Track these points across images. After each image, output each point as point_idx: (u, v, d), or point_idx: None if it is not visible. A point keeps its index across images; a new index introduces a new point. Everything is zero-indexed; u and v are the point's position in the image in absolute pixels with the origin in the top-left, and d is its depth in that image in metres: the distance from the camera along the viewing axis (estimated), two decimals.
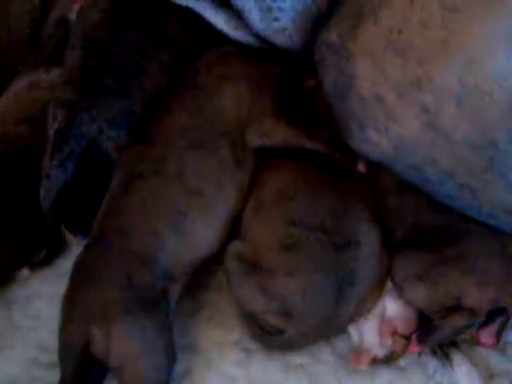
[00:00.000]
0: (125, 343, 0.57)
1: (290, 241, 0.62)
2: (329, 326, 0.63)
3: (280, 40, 0.66)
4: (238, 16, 0.66)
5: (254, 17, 0.64)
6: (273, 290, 0.61)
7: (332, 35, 0.61)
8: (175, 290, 0.63)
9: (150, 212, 0.62)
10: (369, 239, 0.65)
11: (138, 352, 0.57)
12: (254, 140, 0.67)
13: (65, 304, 0.60)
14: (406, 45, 0.59)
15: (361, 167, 0.67)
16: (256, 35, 0.66)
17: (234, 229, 0.67)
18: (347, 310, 0.63)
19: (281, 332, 0.63)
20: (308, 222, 0.63)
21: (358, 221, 0.65)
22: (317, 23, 0.65)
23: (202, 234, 0.64)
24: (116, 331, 0.57)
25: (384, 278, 0.64)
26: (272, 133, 0.67)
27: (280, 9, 0.63)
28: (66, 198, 0.69)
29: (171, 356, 0.60)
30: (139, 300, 0.59)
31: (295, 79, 0.72)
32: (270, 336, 0.64)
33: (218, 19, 0.67)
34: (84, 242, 0.70)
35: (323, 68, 0.62)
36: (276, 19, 0.64)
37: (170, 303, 0.62)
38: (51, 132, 0.67)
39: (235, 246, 0.65)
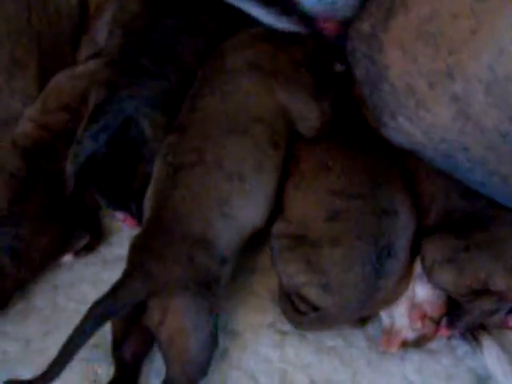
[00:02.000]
0: (179, 318, 0.60)
1: (332, 211, 0.65)
2: (366, 301, 0.64)
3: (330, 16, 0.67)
4: (280, 10, 0.68)
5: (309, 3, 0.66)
6: (316, 262, 0.64)
7: (364, 26, 0.63)
8: (226, 272, 0.65)
9: (198, 200, 0.65)
10: (404, 208, 0.67)
11: (190, 329, 0.60)
12: (310, 133, 0.71)
13: (129, 270, 0.63)
14: (437, 34, 0.60)
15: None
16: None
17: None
18: (385, 284, 0.64)
19: (317, 309, 0.65)
20: (347, 192, 0.66)
21: (393, 190, 0.67)
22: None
23: (248, 215, 0.66)
24: (173, 305, 0.60)
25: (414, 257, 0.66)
26: (323, 125, 0.71)
27: None
28: (102, 173, 0.72)
29: (216, 338, 0.63)
30: (197, 280, 0.62)
31: (324, 62, 0.73)
32: (306, 316, 0.66)
33: (259, 12, 0.69)
34: (121, 224, 0.74)
35: (355, 58, 0.64)
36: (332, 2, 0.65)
37: (220, 285, 0.65)
38: (91, 107, 0.70)
39: (279, 226, 0.67)
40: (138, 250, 0.65)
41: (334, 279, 0.63)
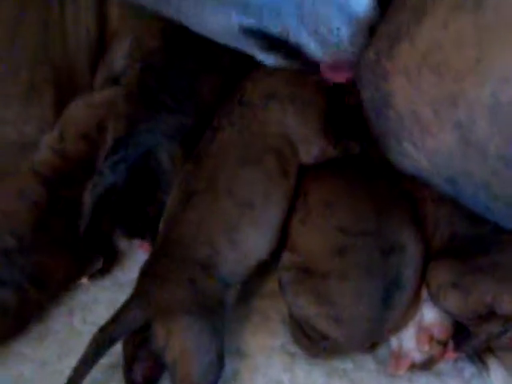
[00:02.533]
0: (183, 340, 0.62)
1: (339, 246, 0.66)
2: (375, 331, 0.66)
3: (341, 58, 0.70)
4: (284, 55, 0.70)
5: (313, 48, 0.68)
6: (325, 294, 0.65)
7: (370, 54, 0.65)
8: (231, 296, 0.67)
9: (207, 225, 0.67)
10: (412, 242, 0.68)
11: (193, 350, 0.62)
12: (308, 159, 0.72)
13: (131, 297, 0.65)
14: (441, 63, 0.62)
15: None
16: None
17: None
18: (394, 315, 0.66)
19: (326, 338, 0.66)
20: (354, 228, 0.67)
21: (400, 225, 0.69)
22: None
23: (255, 242, 0.68)
24: (176, 328, 0.62)
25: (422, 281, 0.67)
26: (323, 152, 0.72)
27: (339, 40, 0.67)
28: (120, 202, 0.75)
29: (221, 359, 0.64)
30: (199, 303, 0.64)
31: (338, 93, 0.75)
32: (320, 343, 0.67)
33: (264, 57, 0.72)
34: (137, 249, 0.76)
35: (361, 85, 0.66)
36: (337, 46, 0.68)
37: (225, 308, 0.66)
38: (110, 140, 0.73)
39: (287, 257, 0.69)
40: (143, 274, 0.68)
41: (344, 311, 0.65)
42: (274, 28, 0.68)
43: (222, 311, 0.66)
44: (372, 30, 0.68)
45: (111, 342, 0.63)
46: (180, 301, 0.64)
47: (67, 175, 0.76)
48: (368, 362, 0.69)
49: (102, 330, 0.64)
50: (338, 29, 0.67)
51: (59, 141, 0.77)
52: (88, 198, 0.72)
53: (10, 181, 0.76)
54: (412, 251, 0.67)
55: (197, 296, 0.64)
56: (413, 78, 0.62)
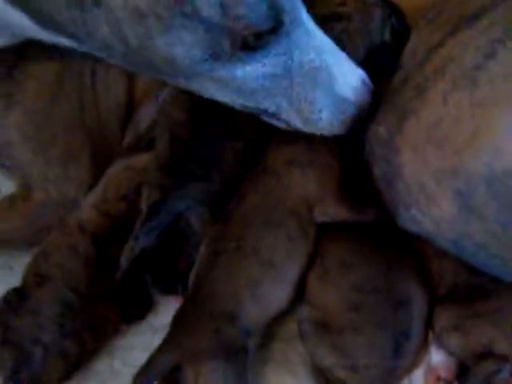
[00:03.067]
0: (210, 381, 0.70)
1: (353, 303, 0.75)
2: (388, 378, 0.74)
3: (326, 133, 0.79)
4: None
5: (299, 124, 0.77)
6: (342, 347, 0.73)
7: (381, 130, 0.74)
8: (253, 342, 0.75)
9: (233, 281, 0.75)
10: (418, 296, 0.77)
11: None
12: (323, 218, 0.80)
13: (163, 343, 0.74)
14: (443, 138, 0.71)
15: None
16: None
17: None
18: (404, 363, 0.74)
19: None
20: (367, 286, 0.75)
21: (407, 280, 0.77)
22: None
23: (275, 297, 0.76)
24: (204, 371, 0.71)
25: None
26: (337, 213, 0.80)
27: (319, 119, 0.76)
28: (152, 260, 0.83)
29: None
30: (224, 349, 0.72)
31: (352, 156, 0.84)
32: None
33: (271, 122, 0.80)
34: (168, 299, 0.84)
35: (373, 158, 0.75)
36: (317, 124, 0.76)
37: (248, 353, 0.74)
38: (145, 207, 0.81)
39: (306, 311, 0.77)
40: (175, 323, 0.76)
41: (359, 362, 0.73)
42: (270, 107, 0.75)
43: (244, 356, 0.74)
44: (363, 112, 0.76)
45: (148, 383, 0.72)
46: (207, 347, 0.72)
47: (111, 233, 0.84)
48: None
49: (140, 373, 0.72)
50: (319, 111, 0.75)
51: (102, 201, 0.85)
52: (124, 261, 0.80)
53: (59, 236, 0.85)
54: (418, 303, 0.76)
55: (222, 343, 0.72)
56: (419, 152, 0.71)
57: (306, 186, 0.80)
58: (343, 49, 0.77)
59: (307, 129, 0.77)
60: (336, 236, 0.80)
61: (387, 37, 0.86)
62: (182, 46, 0.66)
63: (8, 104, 0.88)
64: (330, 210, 0.79)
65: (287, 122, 0.77)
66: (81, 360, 0.80)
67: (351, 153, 0.82)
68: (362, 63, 0.80)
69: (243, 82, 0.71)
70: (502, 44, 0.74)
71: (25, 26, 0.72)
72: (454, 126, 0.71)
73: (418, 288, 0.77)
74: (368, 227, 0.80)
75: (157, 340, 0.79)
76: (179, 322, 0.75)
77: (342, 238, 0.80)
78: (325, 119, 0.75)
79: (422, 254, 0.79)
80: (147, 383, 0.72)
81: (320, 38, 0.73)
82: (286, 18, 0.68)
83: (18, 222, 0.90)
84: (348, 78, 0.75)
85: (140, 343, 0.83)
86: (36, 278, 0.82)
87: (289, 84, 0.73)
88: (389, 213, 0.74)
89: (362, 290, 0.75)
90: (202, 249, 0.79)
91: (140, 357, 0.80)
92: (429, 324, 0.76)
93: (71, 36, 0.70)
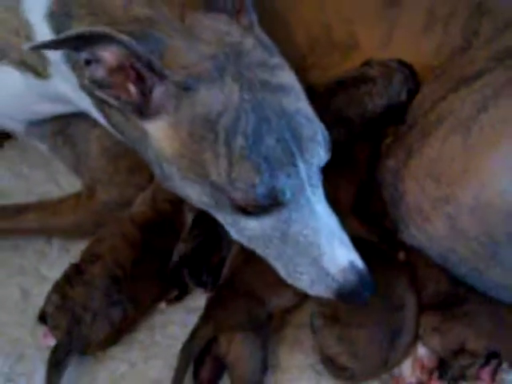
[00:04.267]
0: (239, 349, 0.88)
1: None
2: (382, 366, 0.92)
3: None
4: None
5: (282, 273, 0.84)
6: (347, 339, 0.90)
7: (391, 163, 0.92)
8: (275, 321, 0.94)
9: (262, 274, 0.90)
10: (410, 303, 0.94)
11: (247, 357, 0.88)
12: None
13: (202, 319, 0.92)
14: (439, 173, 0.90)
15: (401, 256, 0.96)
16: None
17: None
18: (396, 355, 0.91)
19: (346, 369, 0.91)
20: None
21: (402, 290, 0.94)
22: None
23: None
24: (236, 340, 0.88)
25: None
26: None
27: (300, 279, 0.83)
28: (191, 257, 1.00)
29: (266, 365, 0.90)
30: (253, 325, 0.90)
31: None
32: (340, 371, 0.92)
33: None
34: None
35: (383, 186, 0.94)
36: (297, 282, 0.83)
37: (269, 331, 0.93)
38: (190, 216, 1.00)
39: (317, 306, 0.93)
40: (211, 303, 0.94)
41: (360, 351, 0.90)
42: (260, 250, 0.82)
43: (267, 332, 0.92)
44: None
45: (192, 354, 0.89)
46: (239, 322, 0.90)
47: (156, 226, 1.02)
48: (375, 382, 0.94)
49: (185, 347, 0.89)
50: (301, 273, 0.81)
51: (152, 200, 1.03)
52: (175, 256, 0.99)
53: (113, 226, 1.03)
54: (410, 308, 0.93)
55: (251, 320, 0.90)
56: (420, 183, 0.90)
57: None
58: (364, 106, 0.96)
59: (289, 281, 0.83)
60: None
61: (404, 97, 1.02)
62: (193, 191, 0.78)
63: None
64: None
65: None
66: (123, 327, 0.96)
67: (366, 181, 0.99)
68: (378, 116, 0.98)
69: (243, 227, 0.80)
70: (493, 101, 0.93)
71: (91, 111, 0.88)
72: (449, 164, 0.91)
73: (411, 296, 0.94)
74: (373, 246, 0.96)
75: (190, 318, 0.97)
76: (215, 302, 0.93)
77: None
78: (305, 281, 0.82)
79: (416, 268, 0.97)
80: (191, 355, 0.89)
81: (322, 220, 0.79)
82: (287, 199, 0.76)
83: (82, 216, 1.07)
84: (338, 258, 0.80)
85: (176, 320, 0.99)
86: (91, 257, 0.99)
87: (281, 244, 0.80)
88: (392, 229, 0.93)
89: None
90: (234, 248, 0.96)
91: (176, 331, 0.98)
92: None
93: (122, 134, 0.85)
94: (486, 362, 0.90)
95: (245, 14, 0.80)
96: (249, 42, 0.78)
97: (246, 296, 0.93)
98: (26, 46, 0.75)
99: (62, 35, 0.72)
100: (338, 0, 1.08)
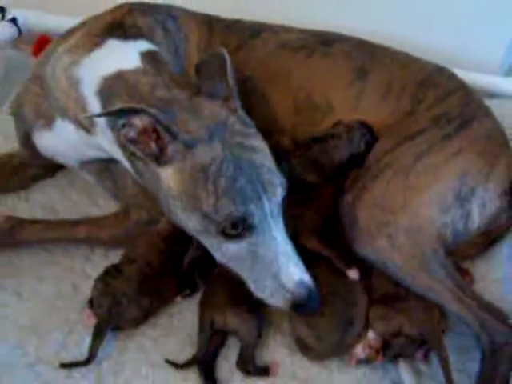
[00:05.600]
0: (233, 319, 1.21)
1: (323, 301, 1.17)
2: (339, 346, 1.23)
3: None
4: None
5: (251, 286, 1.13)
6: (313, 325, 1.21)
7: (348, 197, 1.27)
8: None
9: None
10: (362, 302, 1.26)
11: (240, 323, 1.21)
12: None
13: (200, 306, 1.24)
14: (384, 205, 1.23)
15: (351, 274, 1.26)
16: None
17: None
18: (349, 339, 1.23)
19: (312, 349, 1.23)
20: (332, 291, 1.23)
21: (355, 292, 1.26)
22: None
23: None
24: (227, 314, 1.21)
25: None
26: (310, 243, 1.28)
27: (263, 292, 1.12)
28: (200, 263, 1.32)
29: (260, 332, 1.23)
30: (235, 301, 1.22)
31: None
32: (307, 350, 1.24)
33: None
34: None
35: (341, 213, 1.27)
36: (261, 294, 1.13)
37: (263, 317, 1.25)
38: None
39: None
40: (203, 292, 1.28)
41: (322, 334, 1.21)
42: (237, 267, 1.12)
43: (255, 306, 1.21)
44: None
45: (206, 334, 1.22)
46: (222, 301, 1.23)
47: (176, 238, 1.34)
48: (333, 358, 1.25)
49: (200, 329, 1.23)
50: (264, 286, 1.10)
51: (170, 222, 1.34)
52: (186, 258, 1.32)
53: (144, 238, 1.35)
54: (361, 305, 1.25)
55: (231, 298, 1.22)
56: (369, 211, 1.23)
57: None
58: (332, 156, 1.32)
59: (255, 293, 1.12)
60: (318, 262, 1.26)
61: (362, 147, 1.36)
62: (190, 221, 1.09)
63: None
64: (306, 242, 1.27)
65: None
66: (149, 312, 1.27)
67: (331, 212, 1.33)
68: (345, 163, 1.33)
69: (225, 250, 1.10)
70: (427, 154, 1.27)
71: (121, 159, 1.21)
72: (391, 198, 1.24)
73: (363, 297, 1.26)
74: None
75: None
76: (205, 291, 1.28)
77: (325, 265, 1.27)
78: (266, 293, 1.10)
79: (368, 274, 1.29)
80: (209, 332, 1.22)
81: (280, 242, 1.08)
82: (255, 224, 1.06)
83: (118, 231, 1.39)
84: (292, 275, 1.08)
85: (189, 309, 1.31)
86: (127, 259, 1.31)
87: (251, 263, 1.09)
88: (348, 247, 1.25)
89: (331, 293, 1.23)
90: None
91: (189, 317, 1.30)
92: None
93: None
94: (420, 346, 1.22)
95: (232, 100, 1.14)
96: (232, 119, 1.11)
97: (226, 280, 1.22)
98: (86, 116, 1.14)
99: (113, 109, 1.07)
100: (319, 72, 1.43)
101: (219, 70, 1.17)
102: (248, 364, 1.20)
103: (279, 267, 1.08)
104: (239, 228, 1.07)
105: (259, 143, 1.12)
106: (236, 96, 1.16)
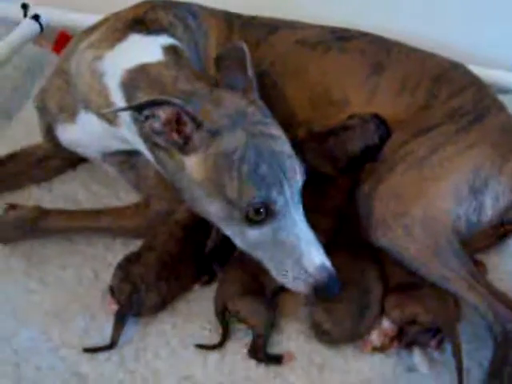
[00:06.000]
0: (245, 309, 1.25)
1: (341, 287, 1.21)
2: (354, 332, 1.26)
3: None
4: None
5: (273, 273, 1.16)
6: (330, 310, 1.24)
7: (365, 187, 1.30)
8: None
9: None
10: (376, 288, 1.29)
11: (251, 313, 1.24)
12: None
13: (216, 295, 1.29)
14: (399, 195, 1.26)
15: None
16: None
17: None
18: (364, 324, 1.26)
19: (328, 333, 1.26)
20: (349, 279, 1.25)
21: (372, 280, 1.29)
22: None
23: None
24: (238, 303, 1.25)
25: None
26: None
27: (285, 276, 1.15)
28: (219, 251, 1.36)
29: (272, 322, 1.26)
30: (248, 291, 1.26)
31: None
32: (323, 335, 1.27)
33: None
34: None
35: (358, 205, 1.31)
36: (283, 279, 1.16)
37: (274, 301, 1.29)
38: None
39: None
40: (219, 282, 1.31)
41: (339, 319, 1.24)
42: (258, 253, 1.15)
43: (269, 297, 1.27)
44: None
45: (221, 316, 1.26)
46: (234, 291, 1.27)
47: (194, 227, 1.37)
48: (348, 345, 1.28)
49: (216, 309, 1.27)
50: (286, 271, 1.13)
51: (189, 212, 1.38)
52: (210, 243, 1.35)
53: (163, 227, 1.38)
54: (376, 293, 1.28)
55: (244, 288, 1.26)
56: (385, 202, 1.27)
57: None
58: (347, 148, 1.35)
59: (277, 278, 1.15)
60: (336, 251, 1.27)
61: (376, 140, 1.39)
62: (213, 208, 1.11)
63: None
64: None
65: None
66: (168, 299, 1.31)
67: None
68: (359, 155, 1.36)
69: (247, 236, 1.12)
70: (442, 147, 1.30)
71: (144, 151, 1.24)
72: (407, 189, 1.27)
73: (378, 284, 1.29)
74: (354, 247, 1.32)
75: None
76: (226, 277, 1.32)
77: (341, 253, 1.29)
78: (289, 278, 1.12)
79: (383, 263, 1.32)
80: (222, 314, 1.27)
81: (301, 228, 1.11)
82: (277, 210, 1.09)
83: (139, 221, 1.43)
84: (314, 259, 1.11)
85: (207, 296, 1.33)
86: (148, 247, 1.35)
87: (273, 248, 1.12)
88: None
89: (348, 281, 1.24)
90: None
91: (206, 304, 1.32)
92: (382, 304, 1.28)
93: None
94: (434, 334, 1.25)
95: (251, 92, 1.18)
96: (252, 109, 1.15)
97: (242, 270, 1.27)
98: (113, 111, 1.18)
99: (139, 102, 1.10)
100: (335, 68, 1.46)
101: (239, 62, 1.20)
102: (259, 353, 1.24)
103: (301, 252, 1.11)
104: (262, 214, 1.10)
105: (278, 132, 1.16)
106: (255, 88, 1.20)
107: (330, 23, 1.54)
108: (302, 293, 1.16)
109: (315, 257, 1.12)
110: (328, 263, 1.13)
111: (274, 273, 1.15)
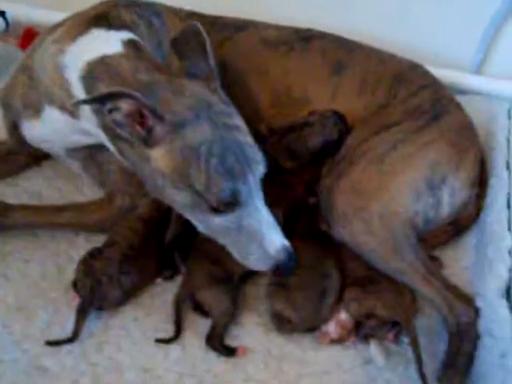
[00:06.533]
0: (209, 299, 1.27)
1: (300, 274, 1.27)
2: (315, 318, 1.28)
3: None
4: None
5: (236, 255, 1.21)
6: (290, 298, 1.27)
7: (327, 181, 1.33)
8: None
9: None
10: (334, 274, 1.32)
11: (214, 304, 1.27)
12: None
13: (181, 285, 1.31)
14: (360, 190, 1.30)
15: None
16: None
17: None
18: (324, 310, 1.28)
19: (289, 322, 1.28)
20: (308, 264, 1.30)
21: (329, 266, 1.32)
22: None
23: None
24: (203, 293, 1.27)
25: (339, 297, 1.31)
26: None
27: (247, 259, 1.20)
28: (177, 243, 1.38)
29: (232, 312, 1.29)
30: (213, 282, 1.28)
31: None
32: (284, 324, 1.29)
33: None
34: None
35: (320, 197, 1.33)
36: (246, 261, 1.20)
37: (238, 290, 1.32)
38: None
39: (270, 278, 1.31)
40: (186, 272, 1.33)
41: (299, 305, 1.27)
42: (222, 238, 1.19)
43: (231, 288, 1.29)
44: None
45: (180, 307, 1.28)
46: (201, 282, 1.29)
47: (156, 222, 1.39)
48: (307, 336, 1.31)
49: (176, 300, 1.29)
50: (248, 254, 1.17)
51: (153, 203, 1.40)
52: (169, 234, 1.37)
53: (124, 222, 1.40)
54: (334, 279, 1.31)
55: (210, 279, 1.29)
56: (346, 196, 1.30)
57: None
58: (307, 143, 1.38)
59: (240, 260, 1.20)
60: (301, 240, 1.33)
61: (335, 136, 1.43)
62: (178, 197, 1.13)
63: None
64: None
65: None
66: (130, 292, 1.32)
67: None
68: (319, 150, 1.39)
69: (211, 223, 1.15)
70: (401, 144, 1.34)
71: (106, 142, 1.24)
72: (366, 184, 1.31)
73: (335, 270, 1.32)
74: (311, 236, 1.36)
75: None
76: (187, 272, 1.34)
77: (298, 241, 1.32)
78: (251, 260, 1.18)
79: (343, 257, 1.35)
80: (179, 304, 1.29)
81: (263, 214, 1.15)
82: (243, 200, 1.12)
83: (103, 216, 1.44)
84: (274, 242, 1.16)
85: (168, 289, 1.35)
86: (109, 241, 1.36)
87: (237, 233, 1.16)
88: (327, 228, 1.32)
89: (306, 266, 1.29)
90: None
91: (169, 298, 1.34)
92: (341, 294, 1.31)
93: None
94: (391, 328, 1.28)
95: (213, 81, 1.20)
96: (214, 99, 1.17)
97: (206, 262, 1.30)
98: (73, 103, 1.18)
99: (98, 94, 1.12)
100: (298, 67, 1.49)
101: (198, 48, 1.22)
102: (216, 341, 1.26)
103: (263, 236, 1.16)
104: (228, 203, 1.13)
105: (240, 122, 1.18)
106: (217, 76, 1.21)
107: (294, 24, 1.57)
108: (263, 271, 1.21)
109: (276, 239, 1.17)
110: (287, 243, 1.19)
111: (237, 255, 1.20)
